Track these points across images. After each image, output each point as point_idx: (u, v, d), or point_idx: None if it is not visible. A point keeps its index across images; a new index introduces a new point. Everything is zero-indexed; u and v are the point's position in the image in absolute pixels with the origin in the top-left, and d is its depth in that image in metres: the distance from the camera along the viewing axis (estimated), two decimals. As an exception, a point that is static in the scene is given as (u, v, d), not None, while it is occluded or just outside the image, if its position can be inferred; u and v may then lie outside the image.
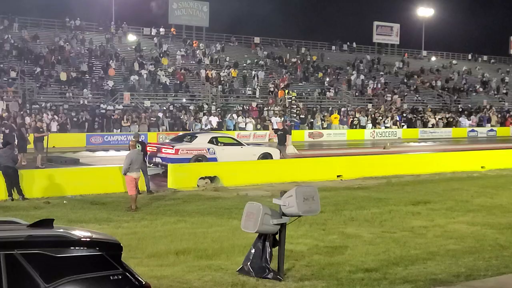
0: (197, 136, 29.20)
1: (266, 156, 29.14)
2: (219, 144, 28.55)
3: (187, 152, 27.08)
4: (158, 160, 26.91)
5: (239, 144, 29.44)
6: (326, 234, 15.22)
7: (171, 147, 27.11)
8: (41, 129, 29.89)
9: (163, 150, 27.23)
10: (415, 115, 64.77)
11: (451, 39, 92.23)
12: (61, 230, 6.37)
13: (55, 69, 54.59)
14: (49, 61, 55.35)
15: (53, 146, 34.13)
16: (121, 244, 6.53)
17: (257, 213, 11.12)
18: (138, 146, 22.59)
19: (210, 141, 28.35)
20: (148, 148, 27.68)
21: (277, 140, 31.85)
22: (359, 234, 15.28)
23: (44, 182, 21.30)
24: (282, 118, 51.67)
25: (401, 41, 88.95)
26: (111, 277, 6.08)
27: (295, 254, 12.94)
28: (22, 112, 40.99)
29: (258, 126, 53.08)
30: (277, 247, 11.47)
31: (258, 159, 28.53)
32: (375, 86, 72.33)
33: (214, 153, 27.74)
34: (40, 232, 6.19)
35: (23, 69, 52.77)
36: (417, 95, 74.05)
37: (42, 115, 42.37)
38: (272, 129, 33.31)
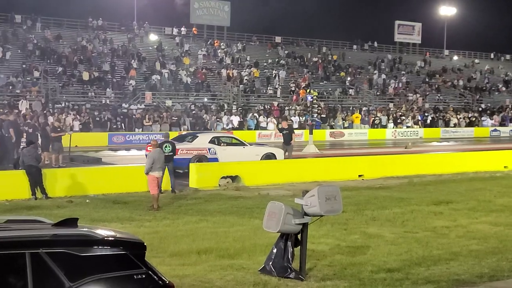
0: (198, 136, 28.93)
1: (270, 156, 28.78)
2: (221, 144, 28.29)
3: (187, 152, 26.73)
4: None
5: (241, 144, 29.06)
6: (348, 234, 15.19)
7: None
8: (58, 129, 29.97)
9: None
10: (437, 115, 64.43)
11: (473, 38, 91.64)
12: (85, 229, 6.41)
13: (77, 68, 54.93)
14: (72, 61, 55.69)
15: (76, 146, 34.36)
16: (144, 243, 6.56)
17: (279, 212, 11.12)
18: (169, 147, 22.70)
19: (211, 141, 28.03)
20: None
21: (282, 140, 31.24)
22: (381, 234, 15.23)
23: (67, 181, 21.44)
24: (304, 117, 51.65)
25: (423, 40, 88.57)
26: (134, 276, 6.12)
27: (317, 254, 12.93)
28: (45, 112, 41.25)
29: (279, 126, 52.98)
30: (299, 246, 11.47)
31: (261, 159, 28.16)
32: (396, 86, 72.08)
33: (215, 153, 27.46)
34: (64, 231, 6.23)
35: (46, 69, 53.14)
36: (438, 95, 73.71)
37: (62, 115, 42.56)
38: (277, 128, 32.81)
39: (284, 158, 29.15)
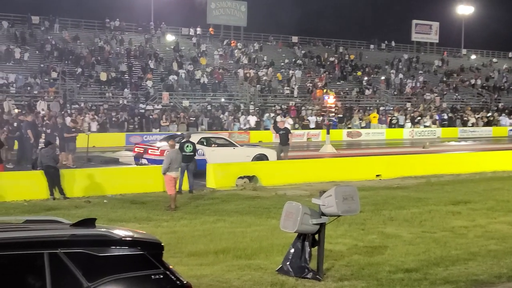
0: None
1: (261, 157, 28.20)
2: (210, 145, 27.87)
3: None
4: (144, 161, 26.43)
5: (231, 145, 28.61)
6: (366, 234, 15.16)
7: (156, 148, 26.63)
8: (73, 129, 30.06)
9: (149, 151, 26.76)
10: (454, 114, 64.12)
11: (491, 37, 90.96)
12: (103, 229, 6.44)
13: (95, 69, 55.17)
14: (89, 62, 55.93)
15: (93, 146, 34.50)
16: (162, 244, 6.57)
17: (296, 212, 11.11)
18: (190, 147, 22.75)
19: (200, 142, 27.22)
20: (136, 149, 27.66)
21: (279, 140, 30.65)
22: (398, 234, 15.19)
23: (85, 181, 21.54)
24: (322, 118, 51.54)
25: (440, 39, 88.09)
26: (152, 276, 6.13)
27: (334, 254, 12.91)
28: (63, 112, 41.46)
29: (296, 126, 53.02)
30: (316, 246, 11.46)
31: (252, 160, 27.55)
32: (414, 85, 71.82)
33: (203, 154, 26.68)
34: (82, 231, 6.26)
35: (64, 70, 53.43)
36: (456, 94, 73.36)
37: (80, 115, 42.77)
38: (273, 128, 32.32)
39: (280, 159, 28.87)
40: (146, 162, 26.22)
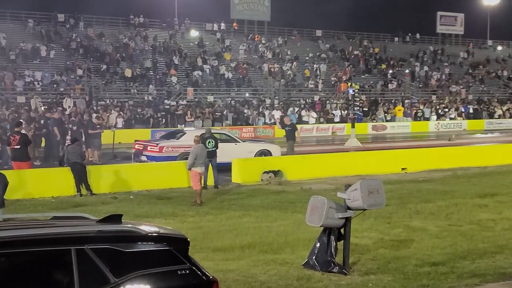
0: (185, 133, 27.79)
1: (264, 153, 27.64)
2: None
3: (172, 150, 25.95)
4: (144, 158, 26.13)
5: (233, 140, 27.98)
6: (392, 228, 15.11)
7: (155, 145, 26.37)
8: (98, 126, 30.24)
9: (148, 148, 26.45)
10: (481, 106, 63.64)
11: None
12: (130, 225, 6.48)
13: (120, 66, 55.45)
14: (114, 58, 56.23)
15: (119, 142, 34.66)
16: (188, 239, 6.60)
17: (321, 207, 11.11)
18: (212, 142, 22.79)
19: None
20: (135, 146, 27.53)
21: (286, 136, 29.72)
22: (425, 228, 15.12)
23: (111, 177, 21.68)
24: (347, 111, 51.37)
25: (466, 31, 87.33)
26: (178, 271, 6.17)
27: (360, 248, 12.89)
28: (89, 109, 41.72)
29: (321, 119, 52.96)
30: (342, 241, 11.45)
31: (255, 156, 27.04)
32: (439, 77, 71.35)
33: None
34: (109, 227, 6.31)
35: (89, 67, 53.74)
36: (482, 86, 72.78)
37: (106, 112, 43.02)
38: (279, 123, 31.76)
39: (289, 154, 28.35)
40: (146, 159, 25.89)
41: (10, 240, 5.77)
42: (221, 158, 23.66)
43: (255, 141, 32.90)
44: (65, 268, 5.77)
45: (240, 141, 28.85)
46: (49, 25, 60.13)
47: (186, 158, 25.21)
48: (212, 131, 28.72)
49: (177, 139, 27.10)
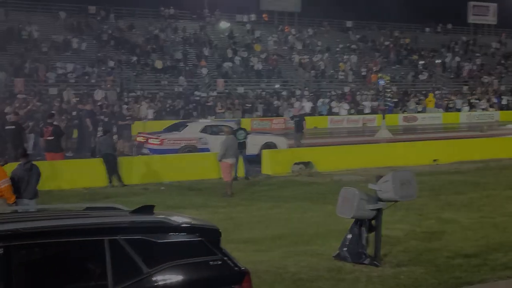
0: (187, 125, 27.67)
1: (269, 145, 26.86)
2: (215, 133, 26.24)
3: (173, 143, 25.79)
4: (146, 151, 25.93)
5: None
6: (423, 219, 15.04)
7: (157, 137, 26.16)
8: (128, 117, 30.37)
9: (149, 140, 26.25)
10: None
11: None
12: (162, 216, 6.53)
13: (150, 57, 55.63)
14: (145, 50, 56.43)
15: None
16: (220, 230, 6.62)
17: (352, 198, 11.09)
18: (242, 134, 22.85)
19: (203, 130, 26.65)
20: (138, 138, 27.37)
21: (294, 127, 29.67)
22: (456, 219, 15.03)
23: (142, 168, 21.83)
24: (376, 102, 51.09)
25: (498, 21, 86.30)
26: (210, 262, 6.20)
27: (392, 240, 12.84)
28: (119, 101, 41.96)
29: (352, 111, 52.76)
30: (373, 232, 11.42)
31: (260, 149, 25.92)
32: (471, 68, 70.66)
33: (207, 143, 25.87)
34: (141, 218, 6.36)
35: (120, 59, 54.00)
36: (515, 76, 71.95)
37: (136, 103, 43.26)
38: (289, 116, 31.33)
39: (295, 146, 28.17)
40: (148, 152, 25.73)
41: (45, 231, 5.84)
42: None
43: (261, 133, 32.10)
44: (98, 259, 5.83)
45: None
46: (80, 17, 60.49)
47: (188, 151, 25.31)
48: (214, 124, 28.49)
49: (179, 131, 26.90)
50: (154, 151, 25.29)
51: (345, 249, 11.46)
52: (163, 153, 24.57)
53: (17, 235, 5.67)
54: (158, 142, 25.84)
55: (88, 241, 5.89)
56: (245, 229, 14.10)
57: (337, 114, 51.51)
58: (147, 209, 6.56)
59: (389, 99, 49.85)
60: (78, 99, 40.25)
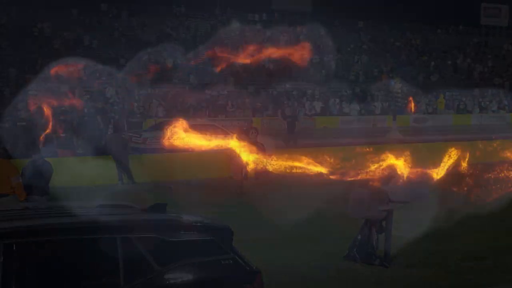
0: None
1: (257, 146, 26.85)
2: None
3: (156, 142, 25.10)
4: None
5: (222, 132, 27.06)
6: (434, 221, 14.97)
7: (138, 136, 26.12)
8: (138, 115, 30.39)
9: (132, 139, 26.15)
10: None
11: None
12: (174, 214, 6.55)
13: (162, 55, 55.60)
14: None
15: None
16: (231, 229, 6.62)
17: (363, 199, 11.07)
18: (253, 133, 22.81)
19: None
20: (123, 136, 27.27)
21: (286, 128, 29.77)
22: (467, 221, 14.95)
23: (153, 166, 21.80)
24: (388, 103, 51.01)
25: (510, 23, 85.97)
26: (222, 261, 6.21)
27: (402, 241, 12.79)
28: (130, 98, 41.97)
29: (362, 111, 52.65)
30: (383, 233, 11.39)
31: None
32: (482, 70, 70.40)
33: None
34: (153, 216, 6.37)
35: (132, 56, 53.97)
36: (527, 78, 71.63)
37: (147, 101, 43.32)
38: (281, 115, 31.06)
39: (288, 147, 28.05)
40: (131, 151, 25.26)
41: (56, 228, 5.86)
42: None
43: None
44: (110, 256, 5.84)
45: (230, 133, 28.33)
46: (92, 15, 60.55)
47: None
48: (198, 124, 28.34)
49: (162, 130, 26.66)
50: (136, 150, 25.06)
51: (355, 249, 11.45)
52: (145, 152, 24.43)
53: (29, 232, 5.69)
54: (141, 141, 25.85)
55: (100, 238, 5.91)
56: (256, 228, 14.08)
57: (347, 114, 51.40)
58: (160, 207, 6.58)
59: (399, 99, 49.74)
60: (89, 96, 40.27)
